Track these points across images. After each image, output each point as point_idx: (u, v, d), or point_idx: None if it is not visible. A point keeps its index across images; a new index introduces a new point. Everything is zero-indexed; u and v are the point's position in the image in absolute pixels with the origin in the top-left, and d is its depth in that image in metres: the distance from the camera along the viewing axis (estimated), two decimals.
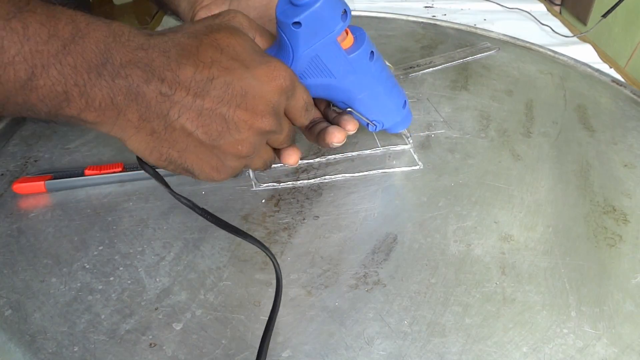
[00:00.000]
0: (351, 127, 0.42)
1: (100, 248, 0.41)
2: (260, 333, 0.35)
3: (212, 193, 0.47)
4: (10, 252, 0.40)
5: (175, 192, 0.34)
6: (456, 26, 0.87)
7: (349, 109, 0.41)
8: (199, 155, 0.32)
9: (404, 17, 0.89)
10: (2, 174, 0.48)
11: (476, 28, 0.86)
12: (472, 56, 0.75)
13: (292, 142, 0.39)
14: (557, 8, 1.07)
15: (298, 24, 0.33)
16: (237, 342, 0.34)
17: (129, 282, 0.38)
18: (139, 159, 0.34)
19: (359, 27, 0.38)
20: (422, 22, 0.88)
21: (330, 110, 0.44)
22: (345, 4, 0.35)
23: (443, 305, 0.37)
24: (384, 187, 0.48)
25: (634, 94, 0.68)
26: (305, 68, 0.36)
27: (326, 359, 0.34)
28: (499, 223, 0.45)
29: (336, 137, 0.41)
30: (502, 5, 1.01)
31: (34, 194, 0.46)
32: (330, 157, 0.52)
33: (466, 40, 0.81)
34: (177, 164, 0.33)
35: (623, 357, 0.35)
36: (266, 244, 0.41)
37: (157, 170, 0.35)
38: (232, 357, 0.33)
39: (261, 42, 0.37)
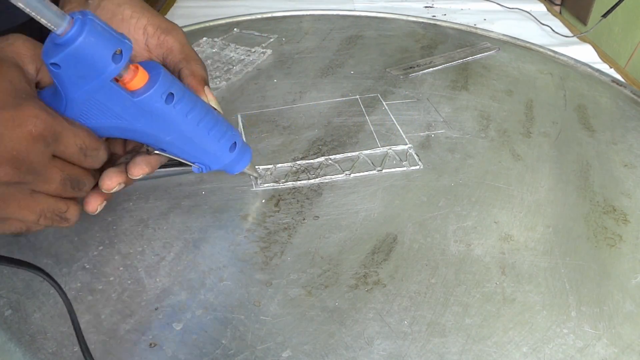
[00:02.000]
0: (136, 171, 0.36)
1: (100, 248, 0.41)
2: (260, 333, 0.35)
3: (212, 193, 0.47)
4: (10, 252, 0.40)
5: None
6: (456, 26, 0.87)
7: (157, 152, 0.37)
8: None
9: (404, 17, 0.89)
10: None
11: (476, 28, 0.87)
12: (472, 56, 0.75)
13: (77, 190, 0.34)
14: (557, 8, 1.07)
15: (56, 64, 0.29)
16: (237, 342, 0.34)
17: (129, 282, 0.38)
18: None
19: (157, 64, 0.33)
20: (422, 22, 0.88)
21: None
22: (122, 42, 0.30)
23: (443, 306, 0.37)
24: (384, 187, 0.48)
25: (634, 94, 0.68)
26: (84, 110, 0.31)
27: (326, 359, 0.34)
28: (499, 223, 0.45)
29: (105, 183, 0.35)
30: (502, 5, 1.01)
31: None
32: (330, 157, 0.52)
33: (466, 40, 0.81)
34: None
35: (623, 357, 0.35)
36: (266, 244, 0.42)
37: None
38: (232, 357, 0.33)
39: (46, 77, 0.33)
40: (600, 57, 0.83)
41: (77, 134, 0.32)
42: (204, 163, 0.39)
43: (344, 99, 0.63)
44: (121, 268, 0.39)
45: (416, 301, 0.38)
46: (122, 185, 0.36)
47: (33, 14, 0.26)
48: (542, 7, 1.02)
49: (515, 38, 0.83)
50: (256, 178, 0.49)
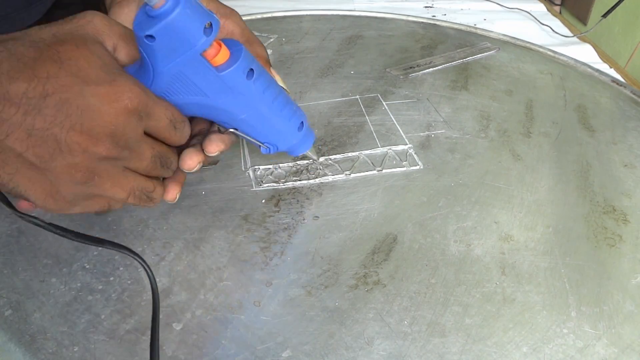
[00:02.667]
0: (212, 148, 0.38)
1: (100, 248, 0.41)
2: (260, 333, 0.35)
3: (212, 193, 0.47)
4: (10, 252, 0.40)
5: (20, 212, 0.30)
6: (456, 26, 0.87)
7: (231, 130, 0.38)
8: (31, 178, 0.29)
9: (404, 17, 0.89)
10: None
11: (476, 28, 0.87)
12: (472, 56, 0.75)
13: (166, 169, 0.35)
14: (557, 8, 1.07)
15: (151, 37, 0.29)
16: (237, 342, 0.34)
17: (129, 282, 0.38)
18: None
19: (237, 41, 0.34)
20: (422, 22, 0.88)
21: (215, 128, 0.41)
22: (212, 16, 0.31)
23: (443, 306, 0.37)
24: (384, 187, 0.48)
25: (634, 94, 0.68)
26: (170, 86, 0.32)
27: (326, 359, 0.34)
28: (499, 223, 0.45)
29: (186, 163, 0.37)
30: (502, 5, 1.01)
31: None
32: (330, 157, 0.52)
33: (466, 40, 0.81)
34: (10, 187, 0.29)
35: (623, 357, 0.35)
36: (266, 244, 0.42)
37: None
38: (232, 357, 0.33)
39: (126, 53, 0.33)
40: (600, 57, 0.83)
41: (167, 107, 0.33)
42: (272, 143, 0.40)
43: (344, 99, 0.63)
44: (121, 268, 0.39)
45: (416, 301, 0.38)
46: (200, 165, 0.37)
47: None
48: (542, 7, 1.02)
49: (515, 38, 0.83)
50: (315, 161, 0.51)
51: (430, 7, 1.01)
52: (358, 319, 0.36)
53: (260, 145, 0.40)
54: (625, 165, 0.54)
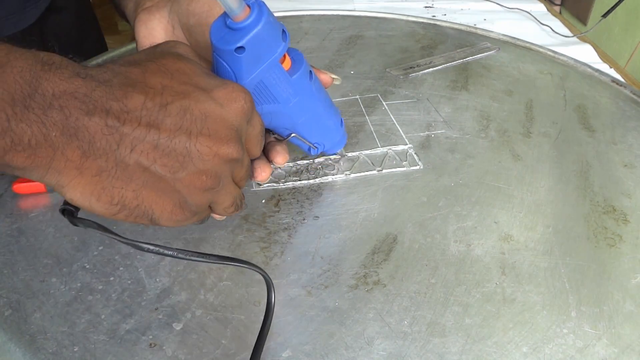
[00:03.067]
0: (280, 160, 0.39)
1: (100, 248, 0.41)
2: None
3: None
4: (10, 252, 0.40)
5: (136, 242, 0.29)
6: (456, 26, 0.87)
7: (293, 135, 0.39)
8: (159, 192, 0.28)
9: (404, 17, 0.89)
10: (2, 174, 0.48)
11: (476, 28, 0.87)
12: (472, 56, 0.75)
13: (251, 176, 0.36)
14: (557, 8, 1.07)
15: (241, 48, 0.30)
16: (237, 342, 0.34)
17: (129, 282, 0.38)
18: (70, 213, 0.28)
19: (293, 48, 0.36)
20: (422, 22, 0.88)
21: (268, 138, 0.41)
22: (282, 24, 0.33)
23: (443, 306, 0.37)
24: (384, 188, 0.48)
25: (634, 94, 0.68)
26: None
27: (326, 359, 0.34)
28: (499, 223, 0.45)
29: (261, 175, 0.38)
30: (502, 5, 1.01)
31: (34, 194, 0.46)
32: (330, 157, 0.52)
33: (466, 40, 0.81)
34: (132, 207, 0.28)
35: (623, 357, 0.35)
36: (266, 244, 0.42)
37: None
38: (232, 357, 0.33)
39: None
40: (600, 57, 0.83)
41: (259, 115, 0.33)
42: (321, 142, 0.43)
43: (344, 99, 0.63)
44: (121, 268, 0.39)
45: (416, 301, 0.38)
46: (265, 181, 0.39)
47: (221, 2, 0.29)
48: (542, 7, 1.02)
49: (515, 38, 0.83)
50: (343, 155, 0.52)
51: (430, 7, 1.01)
52: (358, 319, 0.36)
53: (310, 147, 0.42)
54: (625, 165, 0.54)
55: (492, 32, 0.85)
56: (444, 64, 0.73)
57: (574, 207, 0.48)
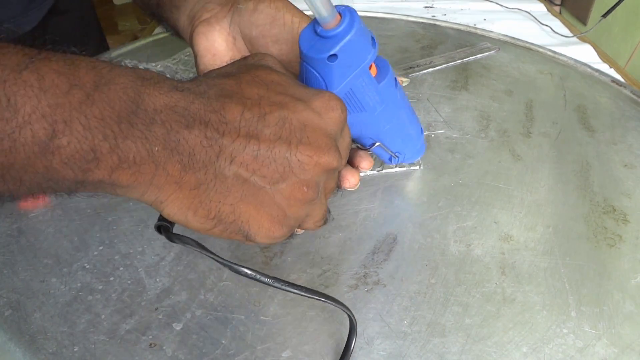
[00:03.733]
0: (366, 165, 0.38)
1: (101, 248, 0.41)
2: (261, 333, 0.35)
3: None
4: (10, 252, 0.40)
5: (234, 264, 0.27)
6: (456, 26, 0.87)
7: (377, 144, 0.38)
8: (257, 205, 0.27)
9: (404, 18, 0.89)
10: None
11: (476, 28, 0.87)
12: (472, 56, 0.75)
13: (336, 191, 0.34)
14: (557, 8, 1.07)
15: (334, 56, 0.30)
16: (237, 342, 0.34)
17: (129, 282, 0.38)
18: (166, 229, 0.27)
19: (379, 55, 0.35)
20: (422, 22, 0.88)
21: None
22: (371, 31, 0.32)
23: (443, 305, 0.37)
24: (384, 187, 0.48)
25: (634, 94, 0.68)
26: None
27: (326, 359, 0.34)
28: (499, 223, 0.45)
29: (350, 181, 0.36)
30: (502, 5, 1.01)
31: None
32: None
33: (466, 40, 0.81)
34: (229, 222, 0.27)
35: (623, 357, 0.35)
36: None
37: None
38: (232, 357, 0.33)
39: None
40: (600, 57, 0.83)
41: (347, 126, 0.32)
42: (402, 151, 0.42)
43: None
44: (121, 268, 0.39)
45: (416, 301, 0.38)
46: (355, 188, 0.37)
47: (313, 10, 0.28)
48: (542, 7, 1.02)
49: (515, 38, 0.83)
50: (420, 166, 0.52)
51: (430, 7, 1.01)
52: (358, 319, 0.36)
53: (391, 157, 0.41)
54: (625, 166, 0.54)
55: (491, 32, 0.85)
56: (444, 64, 0.73)
57: (573, 207, 0.48)
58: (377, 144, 0.38)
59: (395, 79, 0.35)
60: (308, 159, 0.27)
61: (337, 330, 0.35)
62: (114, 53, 0.71)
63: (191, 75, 0.67)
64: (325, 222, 0.32)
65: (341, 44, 0.29)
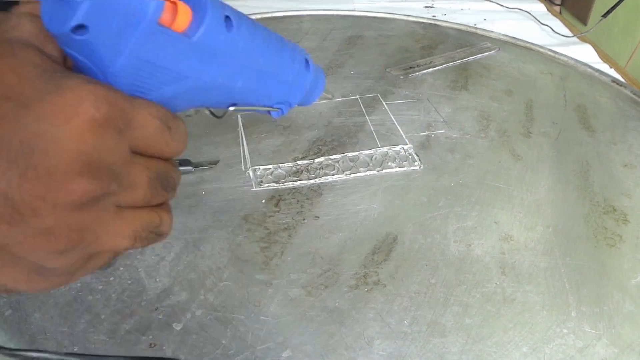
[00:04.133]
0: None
1: None
2: (261, 333, 0.35)
3: (212, 193, 0.47)
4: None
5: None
6: (456, 26, 0.87)
7: (231, 108, 0.28)
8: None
9: (404, 17, 0.89)
10: None
11: (476, 28, 0.87)
12: (472, 56, 0.75)
13: (170, 190, 0.25)
14: (557, 8, 1.07)
15: (81, 27, 0.20)
16: (237, 342, 0.34)
17: (129, 282, 0.38)
18: None
19: None
20: (421, 22, 0.88)
21: None
22: None
23: (443, 306, 0.37)
24: (384, 188, 0.48)
25: (634, 94, 0.68)
26: (132, 84, 0.22)
27: (326, 359, 0.34)
28: (499, 223, 0.45)
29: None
30: (502, 5, 1.01)
31: None
32: (330, 157, 0.52)
33: (466, 40, 0.81)
34: None
35: (623, 357, 0.35)
36: (266, 244, 0.42)
37: None
38: (232, 357, 0.33)
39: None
40: (600, 57, 0.83)
41: (149, 105, 0.23)
42: (283, 100, 0.31)
43: (344, 99, 0.63)
44: (121, 268, 0.39)
45: (416, 301, 0.38)
46: None
47: None
48: (542, 7, 1.02)
49: (515, 38, 0.83)
50: (332, 98, 0.43)
51: (431, 7, 1.01)
52: (358, 319, 0.36)
53: (269, 111, 0.31)
54: (625, 166, 0.54)
55: (492, 32, 0.85)
56: (444, 64, 0.73)
57: (574, 207, 0.48)
58: (231, 109, 0.28)
59: (227, 18, 0.24)
60: (39, 200, 0.19)
61: (337, 330, 0.35)
62: None
63: None
64: (148, 242, 0.25)
65: (83, 5, 0.19)
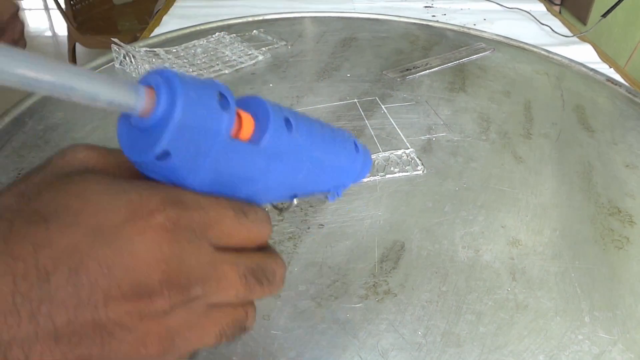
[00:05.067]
0: None
1: None
2: (272, 348, 0.34)
3: None
4: None
5: None
6: (450, 27, 0.87)
7: (295, 201, 0.29)
8: None
9: (397, 19, 0.89)
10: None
11: (469, 29, 0.86)
12: (467, 57, 0.75)
13: (268, 281, 0.25)
14: (556, 8, 1.08)
15: (166, 153, 0.20)
16: (248, 358, 0.33)
17: None
18: None
19: (253, 96, 0.25)
20: (416, 23, 0.88)
21: None
22: (216, 83, 0.22)
23: (456, 314, 0.37)
24: (388, 193, 0.48)
25: (630, 92, 0.68)
26: (211, 191, 0.23)
27: None
28: (506, 227, 0.45)
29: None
30: (502, 5, 1.01)
31: None
32: None
33: (461, 41, 0.81)
34: None
35: None
36: None
37: None
38: None
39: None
40: (600, 57, 0.83)
41: (217, 199, 0.23)
42: (339, 184, 0.31)
43: (342, 102, 0.62)
44: None
45: (429, 310, 0.37)
46: None
47: (103, 102, 0.18)
48: (541, 7, 1.02)
49: (509, 38, 0.83)
50: (382, 176, 0.47)
51: (430, 7, 1.01)
52: (371, 330, 0.35)
53: (326, 196, 0.32)
54: (627, 166, 0.54)
55: (485, 32, 0.85)
56: (440, 65, 0.72)
57: (579, 210, 0.47)
58: (295, 201, 0.29)
59: (287, 120, 0.25)
60: (127, 316, 0.20)
61: (350, 343, 0.34)
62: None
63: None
64: (231, 341, 0.24)
65: (168, 132, 0.20)
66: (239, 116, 0.23)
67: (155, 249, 0.20)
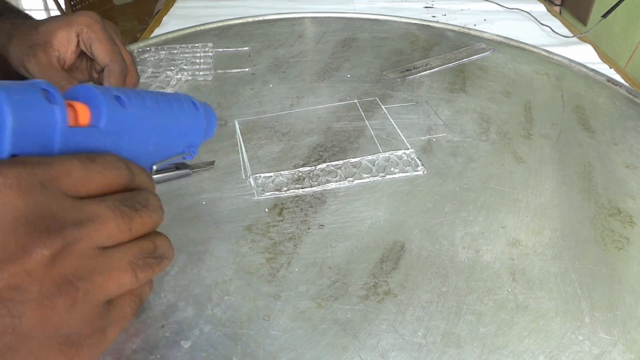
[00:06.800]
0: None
1: None
2: (272, 349, 0.34)
3: (214, 203, 0.46)
4: None
5: None
6: (450, 27, 0.87)
7: (154, 167, 0.31)
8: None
9: (397, 19, 0.89)
10: None
11: (470, 29, 0.86)
12: (467, 58, 0.75)
13: (145, 207, 0.25)
14: (557, 8, 1.07)
15: (15, 155, 0.22)
16: (248, 359, 0.33)
17: None
18: None
19: (81, 85, 0.27)
20: (416, 23, 0.88)
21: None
22: (39, 81, 0.23)
23: (456, 315, 0.37)
24: (388, 194, 0.48)
25: (630, 93, 0.68)
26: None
27: None
28: (506, 228, 0.45)
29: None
30: (502, 6, 1.01)
31: None
32: (332, 163, 0.51)
33: (461, 41, 0.81)
34: None
35: None
36: (272, 255, 0.41)
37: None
38: None
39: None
40: (600, 58, 0.83)
41: (68, 156, 0.24)
42: (190, 143, 0.33)
43: (342, 103, 0.62)
44: None
45: (429, 311, 0.37)
46: None
47: None
48: (542, 7, 1.02)
49: (508, 38, 0.83)
50: (224, 124, 0.52)
51: (430, 7, 1.01)
52: (371, 331, 0.35)
53: (183, 157, 0.34)
54: (627, 166, 0.54)
55: (485, 32, 0.85)
56: (440, 65, 0.72)
57: (579, 210, 0.47)
58: (154, 168, 0.31)
59: (117, 97, 0.27)
60: (14, 277, 0.20)
61: (350, 344, 0.34)
62: None
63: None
64: (152, 273, 0.25)
65: (7, 141, 0.21)
66: (72, 106, 0.25)
67: (8, 207, 0.20)
